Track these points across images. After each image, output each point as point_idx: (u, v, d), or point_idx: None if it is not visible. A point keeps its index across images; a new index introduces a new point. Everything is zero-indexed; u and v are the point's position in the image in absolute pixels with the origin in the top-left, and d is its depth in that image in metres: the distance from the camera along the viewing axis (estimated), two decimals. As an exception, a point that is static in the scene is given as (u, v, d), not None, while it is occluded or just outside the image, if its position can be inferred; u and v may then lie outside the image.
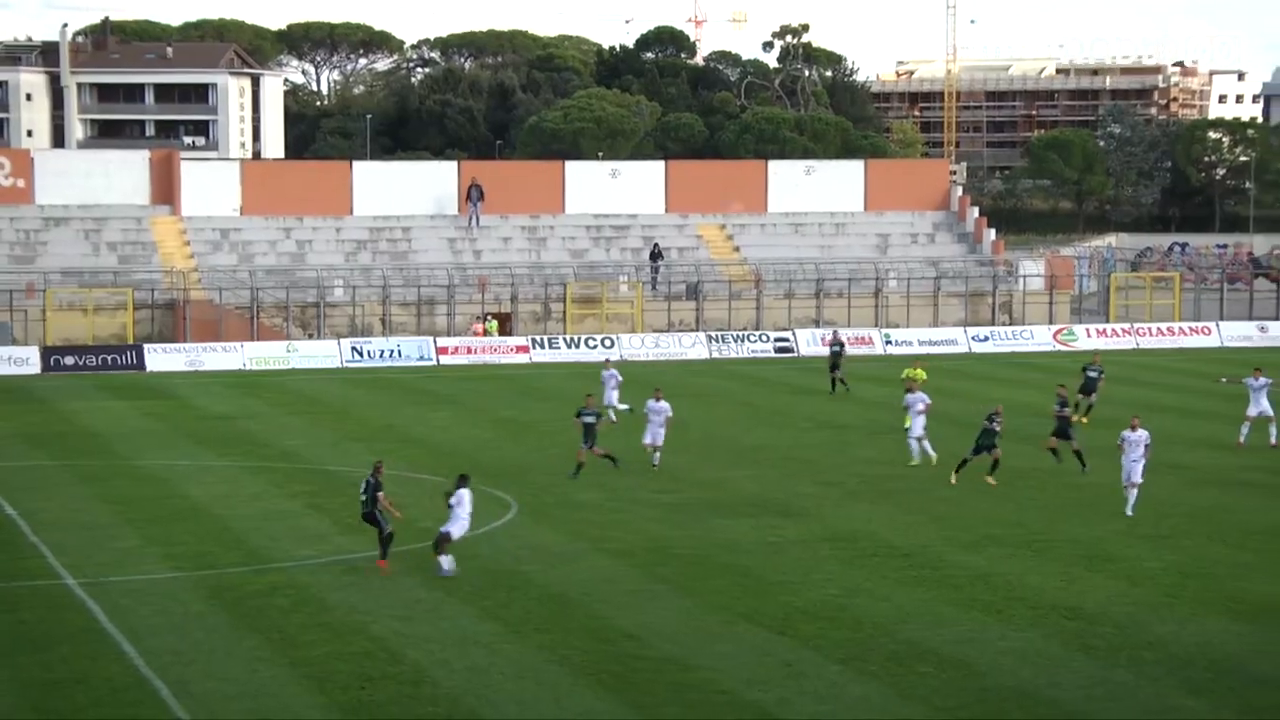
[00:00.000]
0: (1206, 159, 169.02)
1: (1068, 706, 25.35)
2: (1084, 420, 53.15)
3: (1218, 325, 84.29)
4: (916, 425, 46.18)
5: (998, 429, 42.87)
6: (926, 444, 45.87)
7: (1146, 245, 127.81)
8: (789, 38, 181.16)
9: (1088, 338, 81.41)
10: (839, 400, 60.74)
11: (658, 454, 45.28)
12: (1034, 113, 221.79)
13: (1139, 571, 33.59)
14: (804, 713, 25.03)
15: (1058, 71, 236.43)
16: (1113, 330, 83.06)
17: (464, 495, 33.06)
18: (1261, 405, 49.42)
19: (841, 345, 64.72)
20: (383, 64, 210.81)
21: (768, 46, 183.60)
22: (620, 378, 54.70)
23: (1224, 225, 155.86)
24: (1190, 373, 69.90)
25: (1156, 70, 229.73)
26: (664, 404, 45.64)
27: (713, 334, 79.50)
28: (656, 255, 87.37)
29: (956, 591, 32.01)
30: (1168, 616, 30.09)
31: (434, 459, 47.01)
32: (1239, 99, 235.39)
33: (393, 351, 74.40)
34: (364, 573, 32.73)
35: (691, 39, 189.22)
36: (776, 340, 78.62)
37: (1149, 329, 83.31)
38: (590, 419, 44.26)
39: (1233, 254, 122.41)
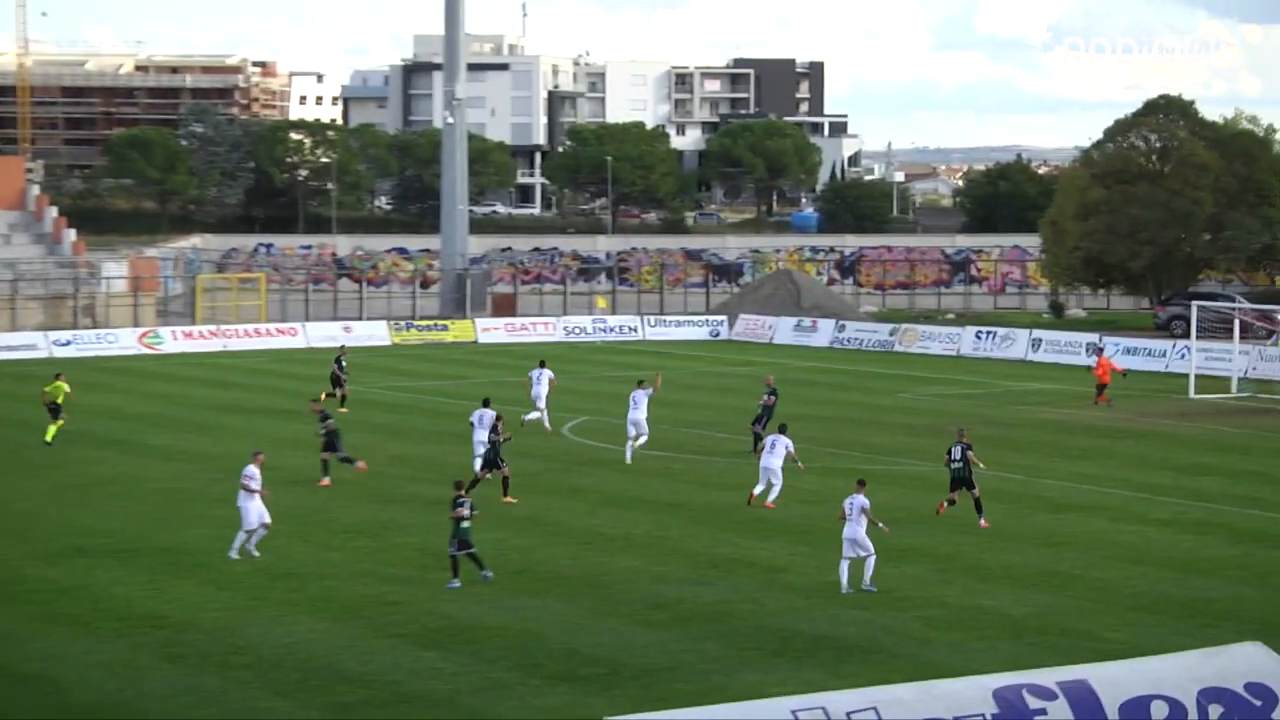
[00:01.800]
0: (289, 160, 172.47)
1: (155, 716, 25.26)
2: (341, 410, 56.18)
3: (304, 325, 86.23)
4: None
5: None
6: None
7: (232, 246, 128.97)
8: None
9: (174, 340, 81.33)
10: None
11: None
12: (114, 110, 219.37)
13: (227, 575, 33.89)
14: None
15: (137, 68, 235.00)
16: (199, 332, 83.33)
17: None
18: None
19: None
20: None
21: None
22: None
23: (308, 226, 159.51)
24: (278, 374, 71.17)
25: (237, 70, 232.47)
26: None
27: None
28: None
29: (38, 607, 31.26)
30: (255, 619, 30.52)
31: None
32: (319, 100, 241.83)
33: None
34: None
35: None
36: None
37: (236, 330, 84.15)
38: None
39: (317, 255, 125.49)
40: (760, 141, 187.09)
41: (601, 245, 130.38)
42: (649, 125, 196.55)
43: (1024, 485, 44.47)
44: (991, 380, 70.88)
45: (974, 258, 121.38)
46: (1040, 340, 79.96)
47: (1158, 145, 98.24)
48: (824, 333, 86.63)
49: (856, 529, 32.68)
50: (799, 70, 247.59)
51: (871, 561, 32.71)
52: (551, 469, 46.44)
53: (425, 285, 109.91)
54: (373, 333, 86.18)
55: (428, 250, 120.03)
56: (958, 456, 39.46)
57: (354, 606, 31.47)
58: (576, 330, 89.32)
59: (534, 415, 52.69)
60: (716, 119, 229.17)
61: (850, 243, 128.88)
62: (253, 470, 35.42)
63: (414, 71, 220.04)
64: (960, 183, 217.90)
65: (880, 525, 33.33)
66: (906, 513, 40.25)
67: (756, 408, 50.27)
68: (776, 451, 41.41)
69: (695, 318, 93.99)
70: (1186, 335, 72.04)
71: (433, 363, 75.85)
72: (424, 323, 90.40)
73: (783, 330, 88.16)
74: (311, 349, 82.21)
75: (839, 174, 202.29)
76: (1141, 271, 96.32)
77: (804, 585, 33.29)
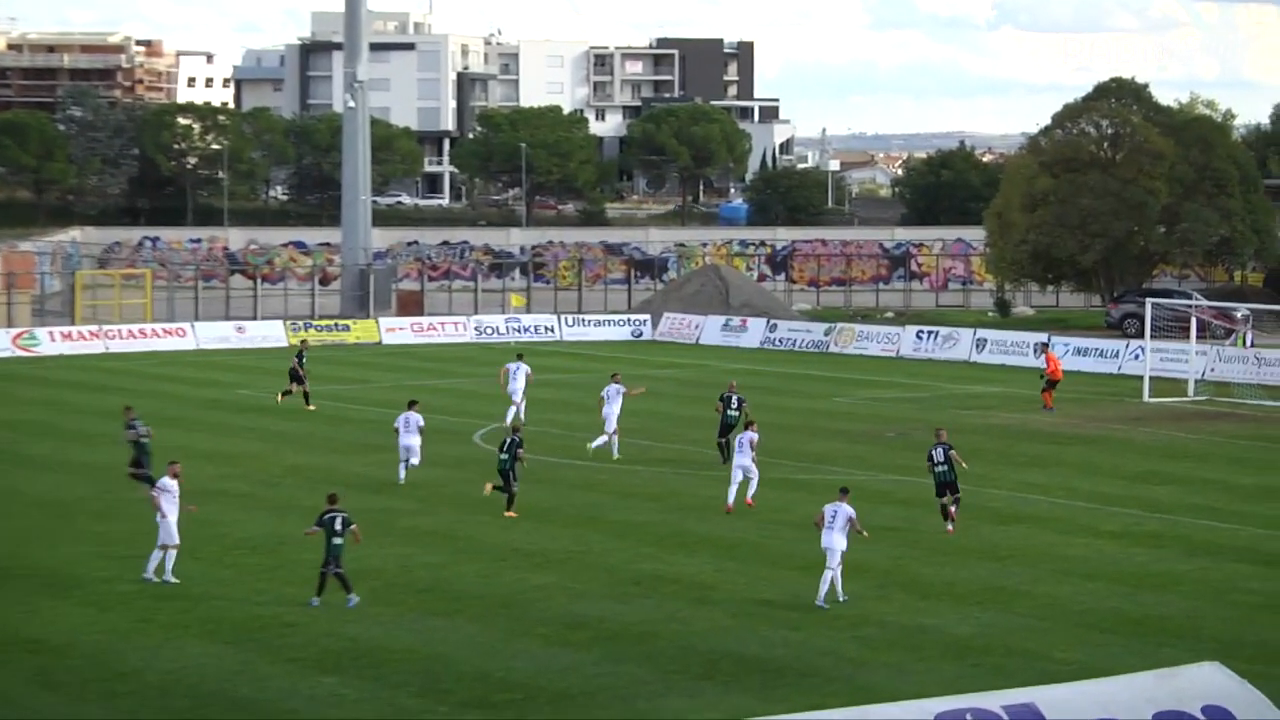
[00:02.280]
0: (177, 146, 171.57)
1: (33, 750, 25.13)
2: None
3: (193, 326, 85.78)
4: None
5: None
6: None
7: (115, 240, 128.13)
8: None
9: (52, 342, 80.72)
10: None
11: None
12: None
13: (110, 596, 33.69)
14: None
15: (9, 47, 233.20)
16: (79, 333, 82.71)
17: None
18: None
19: None
20: None
21: None
22: None
23: (197, 219, 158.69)
24: (166, 378, 70.77)
25: (119, 49, 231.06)
26: None
27: None
28: None
29: (-96, 632, 31.03)
30: (141, 643, 30.35)
31: None
32: (209, 83, 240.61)
33: None
34: None
35: None
36: None
37: (119, 331, 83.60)
38: None
39: (207, 249, 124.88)
40: (685, 127, 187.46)
41: (515, 238, 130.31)
42: (566, 110, 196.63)
43: (967, 495, 44.67)
44: (933, 383, 71.28)
45: (914, 252, 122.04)
46: (985, 340, 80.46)
47: (1109, 131, 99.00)
48: (754, 333, 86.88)
49: (838, 539, 33.24)
50: (727, 51, 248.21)
51: (833, 575, 33.25)
52: (460, 479, 46.36)
53: (325, 282, 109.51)
54: (268, 333, 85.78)
55: (327, 244, 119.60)
56: (940, 458, 40.86)
57: (248, 628, 31.36)
58: (489, 330, 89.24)
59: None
60: (638, 103, 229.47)
61: (782, 236, 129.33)
62: (169, 483, 34.95)
63: (312, 51, 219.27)
64: (899, 171, 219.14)
65: (862, 532, 34.21)
66: (842, 525, 40.46)
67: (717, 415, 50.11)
68: (744, 449, 42.62)
69: (616, 316, 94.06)
70: (1140, 335, 72.66)
71: (333, 365, 75.64)
72: (324, 323, 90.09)
73: (710, 330, 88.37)
74: (201, 351, 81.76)
75: (770, 162, 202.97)
76: (1092, 266, 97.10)
77: (732, 603, 33.41)
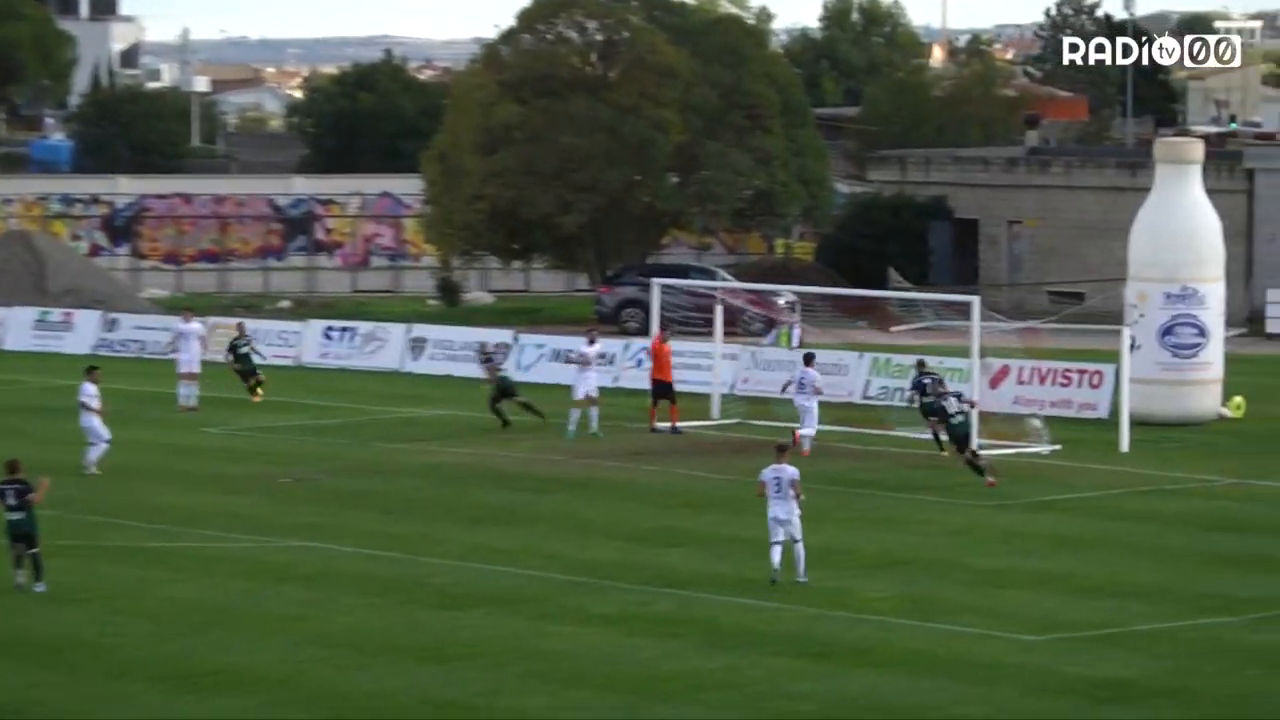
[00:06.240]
0: None
1: None
2: None
3: None
4: None
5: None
6: None
7: None
8: None
9: None
10: None
11: None
12: None
13: None
14: None
15: None
16: None
17: None
18: None
19: None
20: None
21: None
22: None
23: None
24: None
25: None
26: None
27: None
28: None
29: None
30: None
31: None
32: None
33: None
34: None
35: None
36: None
37: None
38: None
39: None
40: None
41: None
42: None
43: (399, 566, 45.11)
44: (350, 404, 71.61)
45: (321, 212, 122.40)
46: (424, 341, 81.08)
47: (599, 38, 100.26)
48: (84, 331, 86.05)
49: (787, 507, 42.81)
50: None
51: (800, 548, 42.88)
52: None
53: None
54: None
55: None
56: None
57: None
58: None
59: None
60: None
61: (125, 189, 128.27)
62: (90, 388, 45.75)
63: None
64: (298, 94, 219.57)
65: (800, 496, 42.91)
66: (219, 615, 40.38)
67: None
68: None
69: None
70: (644, 330, 74.05)
71: None
72: None
73: (17, 328, 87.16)
74: None
75: (106, 80, 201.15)
76: (578, 233, 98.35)
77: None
